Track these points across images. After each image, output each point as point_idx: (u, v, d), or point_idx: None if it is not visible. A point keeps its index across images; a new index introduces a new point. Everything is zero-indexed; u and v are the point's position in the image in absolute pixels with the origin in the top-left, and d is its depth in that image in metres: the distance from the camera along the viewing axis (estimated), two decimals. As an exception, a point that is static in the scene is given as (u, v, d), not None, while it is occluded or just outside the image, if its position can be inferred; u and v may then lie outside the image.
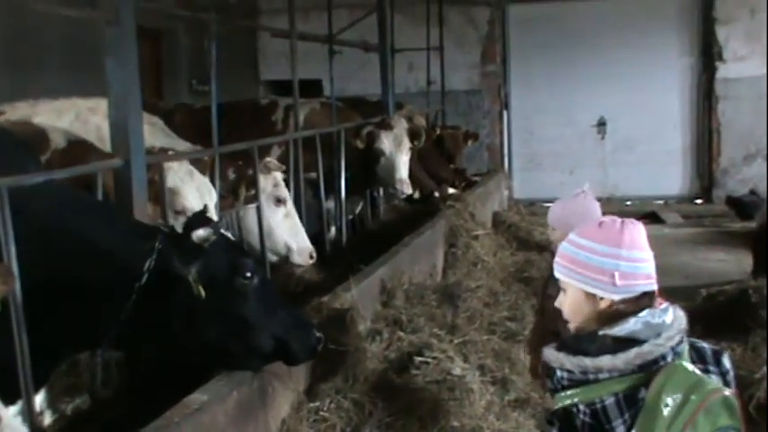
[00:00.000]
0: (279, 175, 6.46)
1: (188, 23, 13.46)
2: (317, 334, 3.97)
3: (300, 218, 6.60)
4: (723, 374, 2.63)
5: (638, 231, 2.66)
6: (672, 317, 2.58)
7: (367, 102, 10.94)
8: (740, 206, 12.54)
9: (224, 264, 3.70)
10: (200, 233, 3.57)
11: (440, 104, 13.38)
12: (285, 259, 6.36)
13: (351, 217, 8.79)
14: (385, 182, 8.62)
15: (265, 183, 6.29)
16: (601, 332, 2.55)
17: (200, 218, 3.78)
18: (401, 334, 5.83)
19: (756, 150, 13.60)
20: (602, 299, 2.61)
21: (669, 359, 2.50)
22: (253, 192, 6.16)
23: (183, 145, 6.06)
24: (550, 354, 2.60)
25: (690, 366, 2.51)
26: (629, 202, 14.29)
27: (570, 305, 2.70)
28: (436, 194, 10.01)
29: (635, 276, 2.60)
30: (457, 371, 5.30)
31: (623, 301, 2.59)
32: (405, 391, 5.15)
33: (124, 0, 4.56)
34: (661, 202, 14.12)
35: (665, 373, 2.44)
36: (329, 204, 8.19)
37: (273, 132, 8.23)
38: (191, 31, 13.60)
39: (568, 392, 2.54)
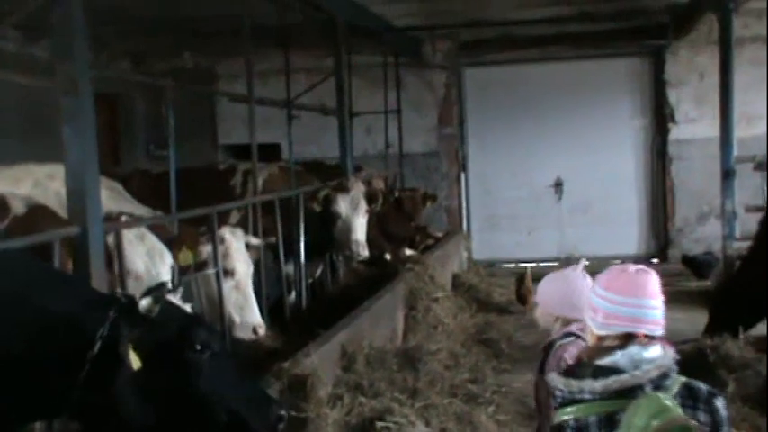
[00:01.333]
0: (233, 247, 6.39)
1: (144, 89, 13.50)
2: (280, 412, 3.70)
3: (259, 283, 6.57)
4: (712, 413, 2.87)
5: (632, 278, 3.01)
6: (655, 354, 2.91)
7: (326, 165, 10.99)
8: (696, 265, 12.69)
9: (171, 335, 3.53)
10: (143, 303, 3.45)
11: (398, 167, 13.46)
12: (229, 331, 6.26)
13: (310, 281, 8.77)
14: (341, 244, 8.63)
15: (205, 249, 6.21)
16: (591, 361, 2.96)
17: (158, 287, 3.72)
18: (362, 399, 5.78)
19: (709, 210, 13.83)
20: (593, 333, 3.03)
21: (647, 389, 2.81)
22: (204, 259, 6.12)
23: (142, 210, 6.02)
24: (552, 377, 3.00)
25: (666, 398, 2.77)
26: (587, 262, 14.35)
27: (589, 339, 3.14)
28: (387, 256, 10.02)
29: (617, 317, 2.96)
30: (419, 436, 5.26)
31: (608, 337, 2.98)
32: (367, 458, 5.11)
33: (82, 70, 4.56)
34: (618, 261, 14.25)
35: (639, 401, 2.76)
36: (289, 268, 8.17)
37: (232, 197, 8.23)
38: (147, 95, 13.65)
39: (563, 410, 2.90)
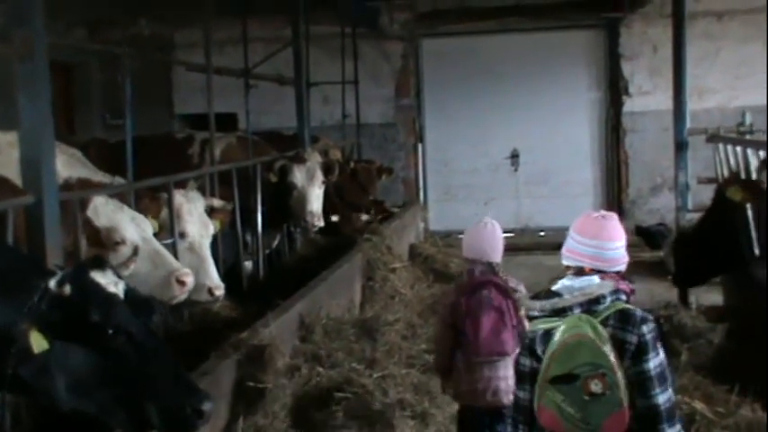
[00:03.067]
0: (183, 209, 6.27)
1: (100, 57, 13.30)
2: (203, 406, 3.48)
3: (216, 252, 6.51)
4: (639, 336, 3.31)
5: (592, 222, 3.57)
6: (586, 284, 3.45)
7: (283, 135, 10.94)
8: (649, 236, 12.84)
9: (84, 317, 3.42)
10: (50, 282, 3.38)
11: (355, 137, 13.45)
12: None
13: (268, 251, 8.75)
14: (297, 215, 8.60)
15: (166, 216, 6.15)
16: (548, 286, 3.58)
17: (91, 263, 3.65)
18: (320, 369, 5.81)
19: (663, 181, 14.01)
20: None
21: (576, 311, 3.36)
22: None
23: (101, 177, 5.95)
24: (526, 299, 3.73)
25: (584, 319, 3.32)
26: (542, 233, 14.54)
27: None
28: (334, 218, 9.94)
29: (573, 252, 3.54)
30: (377, 406, 5.31)
31: (569, 268, 3.55)
32: (325, 428, 5.15)
33: (38, 37, 4.49)
34: (572, 232, 14.40)
35: (564, 320, 3.35)
36: (246, 239, 8.14)
37: (190, 167, 8.16)
38: (103, 64, 13.45)
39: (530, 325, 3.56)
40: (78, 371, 3.43)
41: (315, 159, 8.80)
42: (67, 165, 5.85)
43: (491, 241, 5.10)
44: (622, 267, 3.54)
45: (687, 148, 11.10)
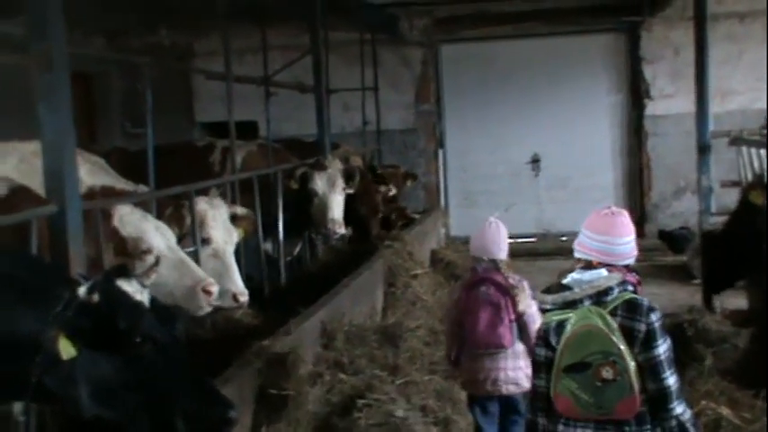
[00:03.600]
0: (208, 215, 6.27)
1: (120, 66, 13.37)
2: (229, 414, 3.49)
3: (239, 261, 6.52)
4: (648, 325, 3.54)
5: (601, 219, 3.77)
6: (594, 277, 3.63)
7: (303, 143, 10.95)
8: (672, 240, 12.78)
9: (112, 325, 3.41)
10: (80, 292, 3.37)
11: (375, 144, 13.45)
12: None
13: (289, 258, 8.75)
14: (318, 222, 8.59)
15: (190, 223, 6.11)
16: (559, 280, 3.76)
17: (116, 272, 3.66)
18: (343, 376, 5.80)
19: (685, 185, 13.92)
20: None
21: (586, 304, 3.57)
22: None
23: (123, 185, 5.97)
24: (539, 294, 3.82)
25: (593, 310, 3.53)
26: (564, 238, 14.46)
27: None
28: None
29: (583, 246, 3.75)
30: (399, 413, 5.30)
31: (579, 261, 3.75)
32: (348, 435, 5.13)
33: (58, 47, 4.51)
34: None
35: (576, 312, 3.55)
36: (267, 246, 8.15)
37: (211, 175, 8.18)
38: (123, 73, 13.52)
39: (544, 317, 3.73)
40: (105, 378, 3.42)
41: (335, 166, 8.80)
42: (91, 173, 5.87)
43: (495, 239, 5.60)
44: (630, 261, 3.77)
45: (710, 151, 10.99)
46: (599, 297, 3.58)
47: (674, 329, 7.18)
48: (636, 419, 3.53)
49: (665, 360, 3.54)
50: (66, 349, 3.30)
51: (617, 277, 3.62)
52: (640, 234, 14.20)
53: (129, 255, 5.17)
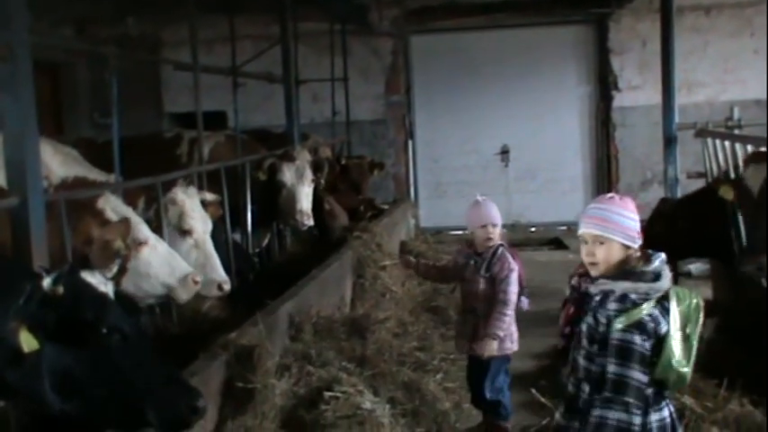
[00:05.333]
0: (187, 206, 6.27)
1: (88, 56, 13.24)
2: (196, 403, 3.49)
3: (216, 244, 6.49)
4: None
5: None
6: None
7: (272, 133, 10.91)
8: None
9: (78, 316, 3.41)
10: (44, 283, 3.35)
11: (345, 135, 13.43)
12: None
13: (257, 250, 8.72)
14: (286, 213, 8.56)
15: (171, 215, 6.17)
16: (642, 269, 3.78)
17: (78, 264, 3.63)
18: (310, 369, 5.77)
19: (652, 176, 14.02)
20: (630, 248, 3.84)
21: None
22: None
23: (96, 175, 5.94)
24: (621, 284, 3.77)
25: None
26: (533, 229, 14.54)
27: (606, 254, 3.84)
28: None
29: (640, 235, 3.87)
30: (367, 405, 5.28)
31: (637, 250, 3.85)
32: (315, 427, 5.12)
33: (19, 36, 4.45)
34: (564, 228, 14.38)
35: (674, 291, 3.77)
36: (236, 237, 8.11)
37: (178, 166, 8.12)
38: (91, 63, 13.39)
39: (638, 309, 3.71)
40: (70, 371, 3.40)
41: (304, 157, 8.77)
42: (64, 164, 5.85)
43: (492, 212, 6.08)
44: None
45: (676, 143, 11.06)
46: None
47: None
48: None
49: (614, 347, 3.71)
50: (28, 342, 3.28)
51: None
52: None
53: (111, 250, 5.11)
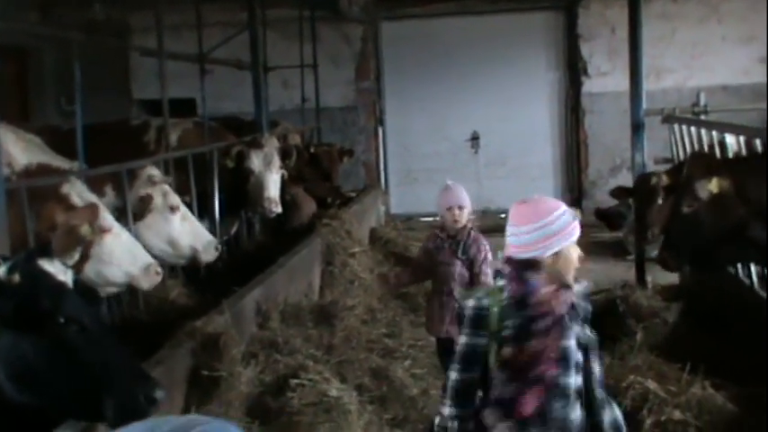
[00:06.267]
0: (165, 186, 6.46)
1: (55, 41, 13.10)
2: (155, 393, 3.43)
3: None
4: None
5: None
6: None
7: (244, 121, 10.86)
8: (608, 218, 12.92)
9: (35, 306, 3.35)
10: (0, 271, 3.32)
11: (315, 122, 13.40)
12: (193, 260, 6.52)
13: (225, 238, 8.69)
14: (254, 201, 8.53)
15: (156, 195, 6.33)
16: None
17: (36, 251, 3.59)
18: (277, 356, 5.79)
19: (621, 162, 14.10)
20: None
21: None
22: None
23: (59, 162, 5.91)
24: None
25: None
26: (503, 215, 14.48)
27: (565, 263, 3.50)
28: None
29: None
30: (333, 392, 5.30)
31: None
32: (281, 415, 5.13)
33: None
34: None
35: None
36: (204, 225, 8.07)
37: (146, 153, 8.07)
38: (58, 48, 13.24)
39: None
40: (27, 362, 3.35)
41: (272, 145, 8.73)
42: (26, 151, 5.81)
43: (462, 195, 6.30)
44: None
45: (644, 129, 11.10)
46: None
47: (607, 305, 7.32)
48: None
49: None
50: None
51: None
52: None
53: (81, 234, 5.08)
